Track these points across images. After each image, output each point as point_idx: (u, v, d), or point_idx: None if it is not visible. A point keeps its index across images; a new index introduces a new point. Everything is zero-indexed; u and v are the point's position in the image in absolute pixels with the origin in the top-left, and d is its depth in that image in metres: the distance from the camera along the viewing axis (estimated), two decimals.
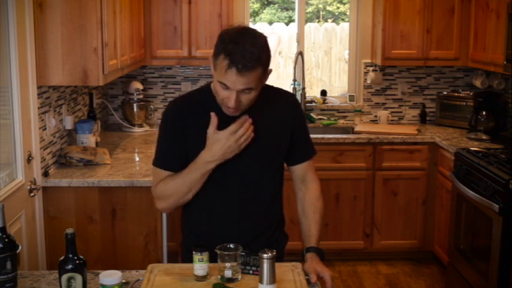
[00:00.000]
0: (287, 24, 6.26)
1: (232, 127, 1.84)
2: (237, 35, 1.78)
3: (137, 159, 3.62)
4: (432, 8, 4.41)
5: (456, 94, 4.67)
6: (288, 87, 4.86)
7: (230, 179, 1.96)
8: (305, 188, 2.11)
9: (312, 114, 4.81)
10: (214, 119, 1.85)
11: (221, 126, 1.87)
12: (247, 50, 1.75)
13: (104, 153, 3.41)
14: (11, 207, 2.60)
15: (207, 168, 1.88)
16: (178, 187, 1.93)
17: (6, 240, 1.64)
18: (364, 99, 4.88)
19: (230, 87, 1.79)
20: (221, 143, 1.84)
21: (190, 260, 1.85)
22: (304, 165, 2.10)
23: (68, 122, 3.47)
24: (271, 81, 5.93)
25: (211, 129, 1.86)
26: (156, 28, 4.34)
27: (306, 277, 1.84)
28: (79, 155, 3.30)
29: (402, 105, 4.90)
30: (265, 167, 2.00)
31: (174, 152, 1.97)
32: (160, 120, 2.05)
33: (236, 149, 1.86)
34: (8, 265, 1.64)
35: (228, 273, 1.78)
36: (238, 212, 1.99)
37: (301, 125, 2.09)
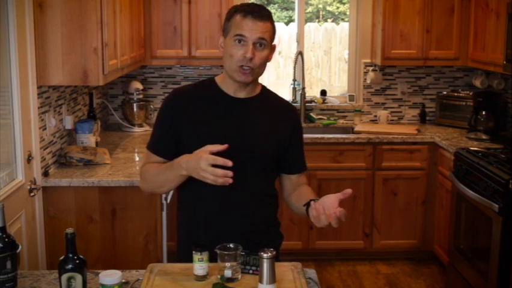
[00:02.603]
0: (287, 24, 6.24)
1: (219, 160, 1.75)
2: (245, 4, 1.98)
3: (137, 159, 3.62)
4: (432, 8, 4.41)
5: (456, 94, 4.67)
6: (288, 87, 4.86)
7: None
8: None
9: (312, 114, 4.81)
10: (221, 147, 1.78)
11: (224, 112, 1.96)
12: (259, 6, 1.95)
13: (104, 153, 3.42)
14: (11, 207, 2.61)
15: (180, 172, 1.87)
16: (156, 177, 1.98)
17: (6, 240, 1.64)
18: (364, 99, 4.88)
19: (247, 35, 1.87)
20: (197, 163, 1.78)
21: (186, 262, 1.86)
22: (296, 176, 2.12)
23: (68, 122, 3.47)
24: (272, 81, 5.91)
25: (210, 148, 1.78)
26: (156, 28, 4.34)
27: (307, 278, 1.84)
28: (79, 155, 3.30)
29: (402, 105, 4.90)
30: (256, 166, 2.00)
31: (167, 141, 2.01)
32: (159, 107, 2.09)
33: (200, 176, 1.78)
34: (8, 265, 1.64)
35: (227, 273, 1.78)
36: (228, 211, 1.99)
37: (299, 138, 2.12)
